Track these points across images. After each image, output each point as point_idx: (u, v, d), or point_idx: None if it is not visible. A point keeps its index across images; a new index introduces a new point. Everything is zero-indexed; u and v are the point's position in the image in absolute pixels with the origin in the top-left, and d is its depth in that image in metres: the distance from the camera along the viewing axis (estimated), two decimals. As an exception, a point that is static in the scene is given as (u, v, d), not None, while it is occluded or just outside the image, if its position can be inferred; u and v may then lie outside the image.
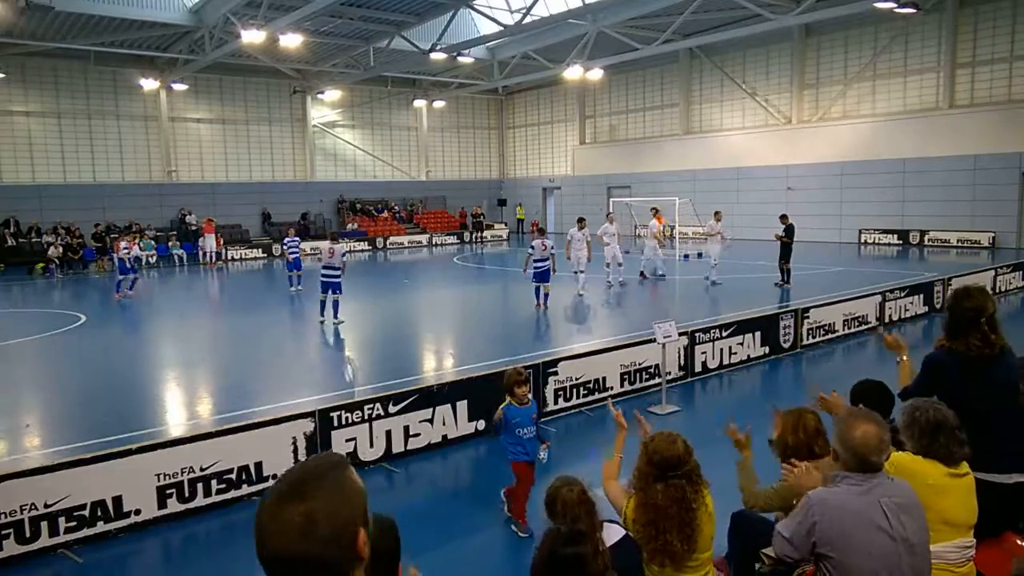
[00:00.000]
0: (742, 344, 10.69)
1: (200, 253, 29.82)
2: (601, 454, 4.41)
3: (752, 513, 4.10)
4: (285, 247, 20.34)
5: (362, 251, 33.90)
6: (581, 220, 17.84)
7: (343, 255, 14.64)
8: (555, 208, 42.66)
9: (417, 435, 7.36)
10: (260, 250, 32.45)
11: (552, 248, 15.76)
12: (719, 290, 18.10)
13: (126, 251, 19.64)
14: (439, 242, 37.53)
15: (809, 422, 3.91)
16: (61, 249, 27.53)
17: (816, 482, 3.33)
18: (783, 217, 18.77)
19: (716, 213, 19.95)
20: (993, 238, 26.19)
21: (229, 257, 30.70)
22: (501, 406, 5.68)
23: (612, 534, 3.26)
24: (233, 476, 6.27)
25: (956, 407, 3.42)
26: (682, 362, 9.84)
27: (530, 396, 5.84)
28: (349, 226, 36.90)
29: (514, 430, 5.62)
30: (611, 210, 24.78)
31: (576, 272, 17.25)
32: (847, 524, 2.79)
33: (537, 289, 15.60)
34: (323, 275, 14.44)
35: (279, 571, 1.32)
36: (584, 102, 40.66)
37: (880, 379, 4.49)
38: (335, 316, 14.47)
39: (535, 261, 15.46)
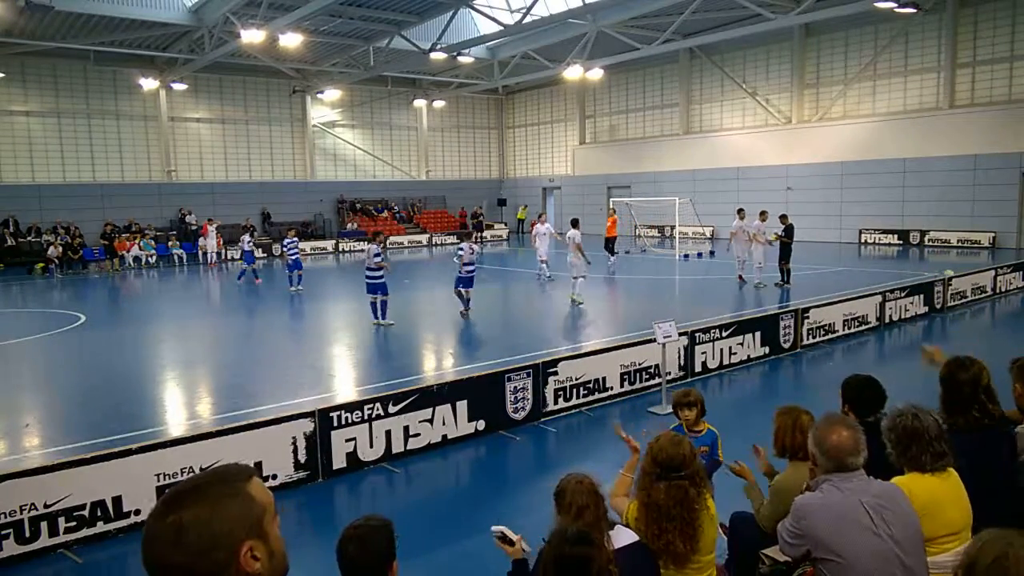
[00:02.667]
0: (742, 344, 10.68)
1: (200, 254, 29.87)
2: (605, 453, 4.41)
3: (751, 515, 4.12)
4: (285, 248, 20.43)
5: (362, 251, 33.85)
6: (575, 221, 17.07)
7: (375, 255, 14.26)
8: (555, 208, 42.64)
9: (417, 435, 7.36)
10: (260, 250, 32.41)
11: (479, 253, 15.36)
12: (719, 290, 18.10)
13: (249, 243, 21.31)
14: (439, 242, 37.52)
15: (805, 423, 3.97)
16: (61, 249, 27.54)
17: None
18: (783, 217, 18.62)
19: (762, 213, 18.56)
20: (993, 238, 26.19)
21: (229, 257, 30.71)
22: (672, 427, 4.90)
23: (623, 537, 3.23)
24: (233, 476, 6.26)
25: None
26: (682, 362, 9.83)
27: (706, 425, 5.09)
28: (349, 226, 36.92)
29: None
30: (543, 211, 25.27)
31: (575, 278, 16.33)
32: (832, 526, 2.84)
33: (460, 295, 14.98)
34: (365, 277, 14.45)
35: None
36: (584, 102, 40.65)
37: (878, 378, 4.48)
38: (383, 317, 14.24)
39: (464, 265, 14.78)
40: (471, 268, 14.95)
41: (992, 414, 3.74)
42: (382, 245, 15.11)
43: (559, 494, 3.28)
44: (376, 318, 14.33)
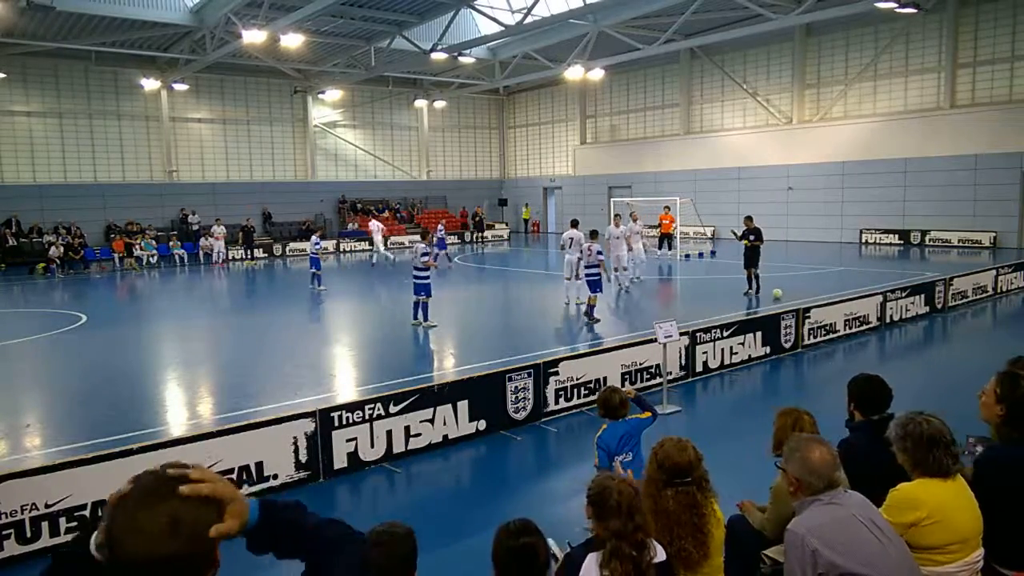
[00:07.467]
0: (743, 344, 10.68)
1: (202, 254, 29.97)
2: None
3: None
4: (315, 247, 20.75)
5: (363, 251, 33.92)
6: (575, 221, 16.42)
7: (422, 254, 13.72)
8: (556, 208, 42.67)
9: (418, 435, 7.35)
10: (261, 250, 32.46)
11: (600, 254, 14.07)
12: (718, 290, 18.06)
13: (318, 245, 20.44)
14: (440, 242, 37.49)
15: (805, 423, 4.03)
16: (62, 249, 27.56)
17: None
18: (748, 219, 17.03)
19: (631, 215, 20.50)
20: (994, 238, 26.18)
21: (230, 257, 30.74)
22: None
23: (660, 552, 3.15)
24: (234, 476, 6.27)
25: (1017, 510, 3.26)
26: (683, 362, 9.84)
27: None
28: (350, 226, 36.93)
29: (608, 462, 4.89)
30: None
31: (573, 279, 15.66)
32: (841, 536, 2.80)
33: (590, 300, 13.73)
34: (413, 277, 13.95)
35: (139, 573, 1.30)
36: (585, 102, 40.65)
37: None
38: (424, 319, 13.85)
39: (587, 268, 13.83)
40: (595, 271, 13.76)
41: None
42: (430, 243, 14.27)
43: (601, 495, 3.00)
44: (416, 318, 13.98)
